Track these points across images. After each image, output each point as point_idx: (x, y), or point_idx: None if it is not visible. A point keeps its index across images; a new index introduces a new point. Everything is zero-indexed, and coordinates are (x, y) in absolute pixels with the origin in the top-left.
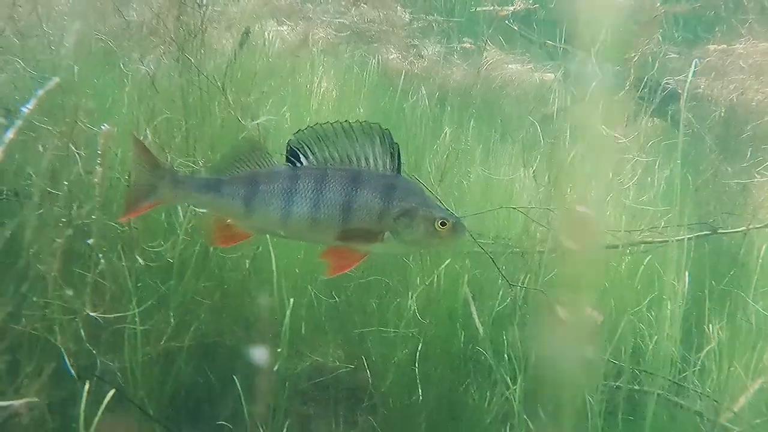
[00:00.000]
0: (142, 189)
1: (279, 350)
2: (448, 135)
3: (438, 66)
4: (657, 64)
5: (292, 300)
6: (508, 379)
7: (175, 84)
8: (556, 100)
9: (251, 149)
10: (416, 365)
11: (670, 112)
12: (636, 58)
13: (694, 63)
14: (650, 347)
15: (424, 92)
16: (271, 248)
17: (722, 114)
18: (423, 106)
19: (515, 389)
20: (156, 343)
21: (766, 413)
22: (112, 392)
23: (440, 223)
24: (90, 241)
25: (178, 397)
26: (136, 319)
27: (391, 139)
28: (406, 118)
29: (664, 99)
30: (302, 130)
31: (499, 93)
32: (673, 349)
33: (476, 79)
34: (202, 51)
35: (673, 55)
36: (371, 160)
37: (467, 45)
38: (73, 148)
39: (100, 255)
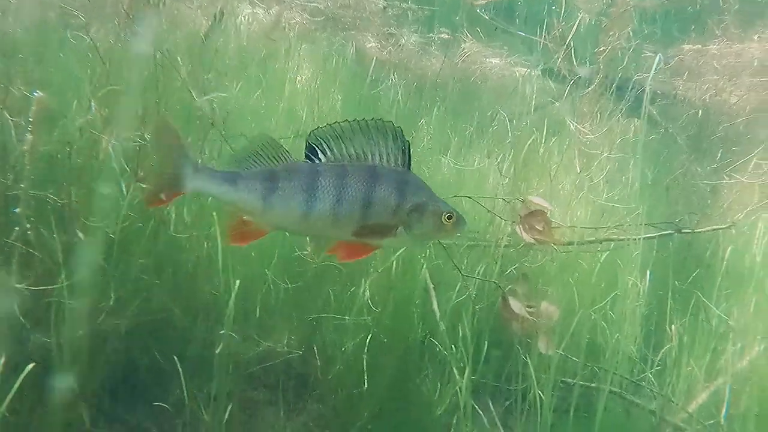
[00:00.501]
0: (165, 178)
1: (222, 332)
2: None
3: (416, 56)
4: (627, 61)
5: (237, 282)
6: (455, 370)
7: (129, 57)
8: (534, 95)
9: (267, 145)
10: (365, 353)
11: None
12: (606, 53)
13: (657, 58)
14: (610, 345)
15: (396, 81)
16: (218, 228)
17: (696, 114)
18: (397, 96)
19: (462, 381)
20: (92, 321)
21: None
22: (30, 366)
23: (446, 217)
24: (17, 210)
25: (115, 378)
26: (65, 294)
27: (403, 136)
28: (381, 107)
29: (641, 97)
30: (319, 128)
31: (477, 86)
32: (632, 347)
33: (453, 71)
34: (164, 26)
35: (649, 54)
36: (384, 157)
37: (444, 36)
38: (7, 115)
39: (28, 226)
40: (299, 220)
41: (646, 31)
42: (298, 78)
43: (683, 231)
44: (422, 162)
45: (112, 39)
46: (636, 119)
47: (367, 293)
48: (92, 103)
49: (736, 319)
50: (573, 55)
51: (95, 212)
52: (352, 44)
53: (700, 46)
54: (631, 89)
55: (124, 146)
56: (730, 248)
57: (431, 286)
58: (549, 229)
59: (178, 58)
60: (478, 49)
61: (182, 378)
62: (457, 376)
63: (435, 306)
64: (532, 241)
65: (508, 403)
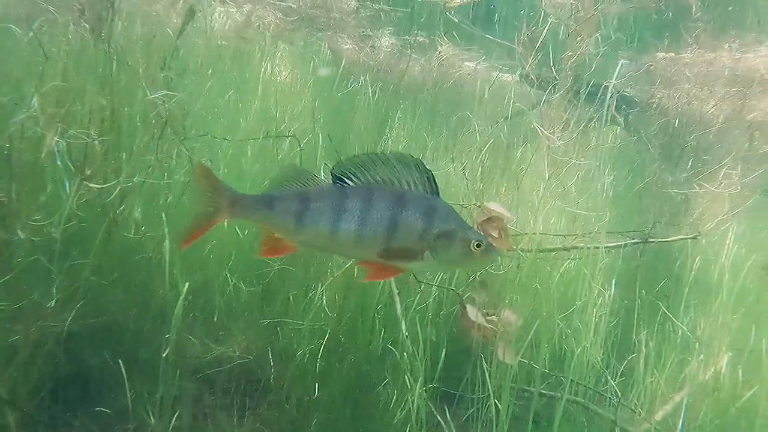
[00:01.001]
0: (205, 215)
1: (167, 336)
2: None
3: (394, 59)
4: (596, 67)
5: (186, 285)
6: (408, 377)
7: (81, 53)
8: (512, 100)
9: (298, 174)
10: (319, 359)
11: (622, 118)
12: (574, 59)
13: (620, 64)
14: (575, 354)
15: (371, 84)
16: (166, 230)
17: (668, 123)
18: (371, 98)
19: (417, 389)
20: (31, 324)
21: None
22: None
23: (476, 245)
24: None
25: (57, 382)
26: None
27: (425, 166)
28: (355, 109)
29: (617, 104)
30: (343, 161)
31: (454, 90)
32: (597, 357)
33: (428, 75)
34: (121, 23)
35: (623, 61)
36: (411, 186)
37: (421, 39)
38: None
39: None
40: (327, 240)
41: (613, 38)
42: (273, 78)
43: (649, 240)
44: None
45: (65, 35)
46: (615, 127)
47: (324, 298)
48: (34, 100)
49: (702, 330)
50: (552, 61)
51: (38, 210)
52: (325, 44)
53: (673, 54)
54: (600, 95)
55: (70, 144)
56: (698, 258)
57: (396, 292)
58: (505, 236)
59: (138, 56)
60: (455, 52)
61: (125, 382)
62: (410, 384)
63: (399, 312)
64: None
65: (467, 411)
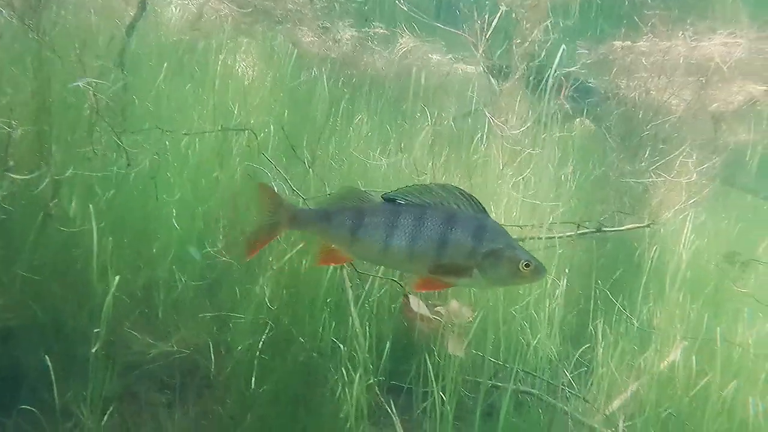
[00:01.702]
0: (266, 228)
1: (97, 331)
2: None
3: (356, 52)
4: (546, 55)
5: (117, 278)
6: (345, 370)
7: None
8: (473, 92)
9: (354, 194)
10: (260, 353)
11: (585, 109)
12: (525, 47)
13: (561, 49)
14: (531, 345)
15: (324, 75)
16: (94, 223)
17: (628, 112)
18: (331, 92)
19: (356, 381)
20: None
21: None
22: None
23: (524, 265)
24: None
25: None
26: None
27: (468, 192)
28: (316, 103)
29: (580, 95)
30: (392, 191)
31: (417, 83)
32: (552, 348)
33: (391, 67)
34: (63, 12)
35: (582, 51)
36: (460, 206)
37: (381, 30)
38: None
39: None
40: (380, 254)
41: (564, 25)
42: (232, 72)
43: (603, 230)
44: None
45: None
46: (582, 118)
47: (267, 291)
48: None
49: (659, 320)
50: (515, 52)
51: None
52: (279, 36)
53: (630, 43)
54: (552, 83)
55: None
56: (656, 248)
57: (348, 285)
58: None
59: (76, 46)
60: (416, 44)
61: (53, 380)
62: (349, 377)
63: (351, 305)
64: None
65: (418, 404)
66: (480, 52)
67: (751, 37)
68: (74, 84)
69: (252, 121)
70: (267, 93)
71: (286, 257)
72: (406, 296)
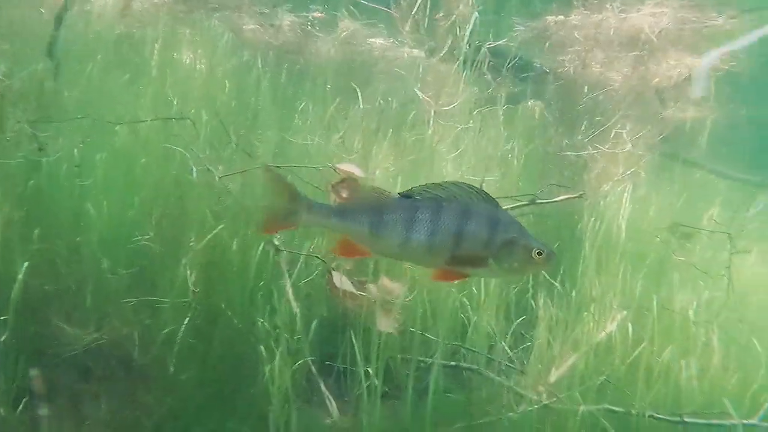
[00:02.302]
0: (281, 213)
1: (5, 318)
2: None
3: (298, 38)
4: (469, 28)
5: (26, 264)
6: (262, 350)
7: None
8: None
9: (374, 191)
10: (186, 339)
11: (528, 87)
12: (451, 22)
13: (474, 15)
14: (473, 322)
15: (257, 61)
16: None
17: (565, 86)
18: (276, 79)
19: (277, 361)
20: None
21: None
22: None
23: (537, 253)
24: None
25: None
26: None
27: (480, 188)
28: (258, 92)
29: (517, 72)
30: (408, 190)
31: (362, 66)
32: (491, 323)
33: (336, 53)
34: None
35: (519, 27)
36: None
37: (318, 15)
38: None
39: None
40: (399, 248)
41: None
42: (171, 61)
43: (537, 202)
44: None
45: None
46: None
47: (189, 273)
48: None
49: (598, 291)
50: (440, 28)
51: None
52: (213, 22)
53: (563, 17)
54: (479, 58)
55: None
56: (592, 219)
57: (285, 269)
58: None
59: None
60: (357, 28)
61: None
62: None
63: (288, 287)
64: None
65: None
66: (406, 29)
67: (675, 6)
68: None
69: (192, 111)
70: (205, 82)
71: (207, 237)
72: (329, 272)
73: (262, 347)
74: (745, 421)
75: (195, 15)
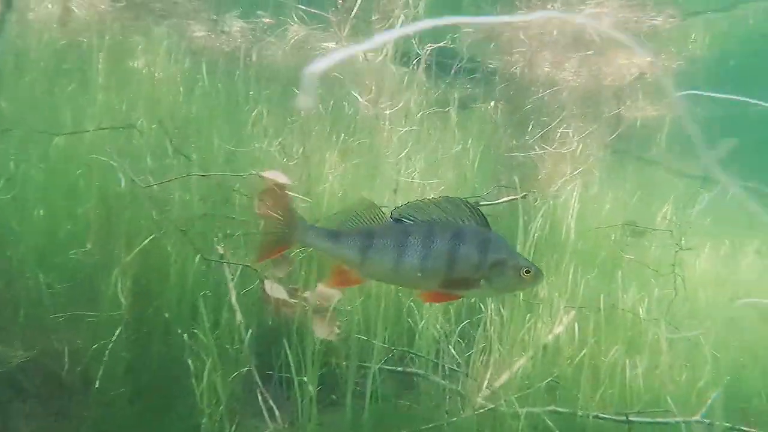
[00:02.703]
0: (275, 236)
1: None
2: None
3: (250, 44)
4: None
5: None
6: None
7: None
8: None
9: (367, 208)
10: (117, 353)
11: (469, 88)
12: (388, 24)
13: (401, 18)
14: (420, 326)
15: (208, 67)
16: None
17: (508, 87)
18: (220, 84)
19: (206, 371)
20: None
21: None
22: None
23: (525, 271)
24: None
25: None
26: None
27: (472, 204)
28: (211, 99)
29: (466, 73)
30: (399, 207)
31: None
32: (437, 326)
33: (288, 58)
34: None
35: (468, 30)
36: (465, 221)
37: (267, 20)
38: None
39: None
40: (392, 273)
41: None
42: (120, 69)
43: (482, 204)
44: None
45: None
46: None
47: (119, 284)
48: None
49: (546, 291)
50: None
51: None
52: (166, 31)
53: (508, 17)
54: (423, 61)
55: None
56: (539, 219)
57: (230, 278)
58: (286, 203)
59: None
60: (307, 33)
61: None
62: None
63: (233, 297)
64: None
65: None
66: (344, 33)
67: (615, 6)
68: None
69: (141, 120)
70: (153, 90)
71: (136, 250)
72: (262, 281)
73: (189, 360)
74: (686, 419)
75: (142, 22)
